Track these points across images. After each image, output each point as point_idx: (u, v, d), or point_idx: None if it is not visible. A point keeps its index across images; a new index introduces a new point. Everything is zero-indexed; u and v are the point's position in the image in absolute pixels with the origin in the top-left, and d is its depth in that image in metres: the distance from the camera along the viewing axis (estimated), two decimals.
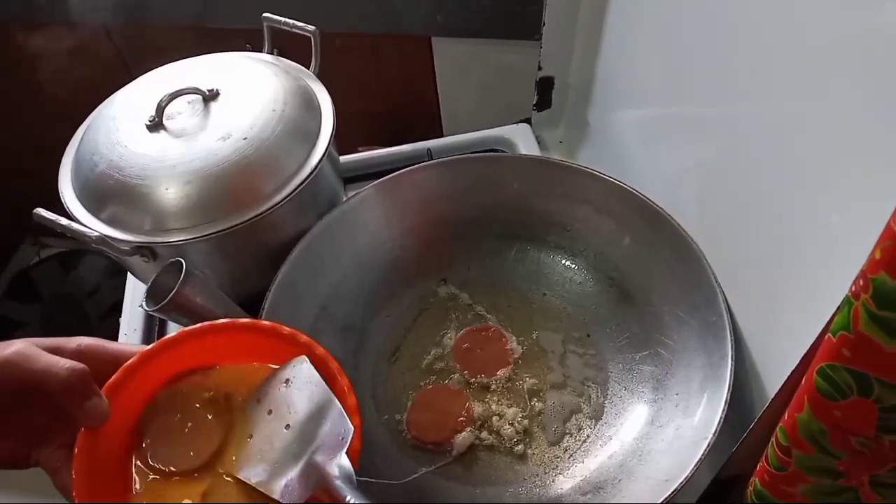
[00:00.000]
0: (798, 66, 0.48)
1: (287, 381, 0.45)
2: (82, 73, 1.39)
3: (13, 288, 1.80)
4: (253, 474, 0.43)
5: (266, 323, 0.48)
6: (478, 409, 0.67)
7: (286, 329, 0.47)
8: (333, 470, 0.39)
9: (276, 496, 0.41)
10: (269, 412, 0.45)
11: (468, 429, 0.66)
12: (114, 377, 0.44)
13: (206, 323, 0.48)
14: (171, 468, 0.44)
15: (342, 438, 0.40)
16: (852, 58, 0.43)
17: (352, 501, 0.37)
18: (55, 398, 0.41)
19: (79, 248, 1.87)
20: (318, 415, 0.42)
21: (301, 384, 0.44)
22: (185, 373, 0.48)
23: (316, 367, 0.45)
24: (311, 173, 0.67)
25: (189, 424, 0.46)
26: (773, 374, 0.56)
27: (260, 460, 0.43)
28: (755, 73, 0.54)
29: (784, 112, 0.51)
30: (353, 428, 0.41)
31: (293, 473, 0.41)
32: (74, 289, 1.70)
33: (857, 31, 0.42)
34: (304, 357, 0.45)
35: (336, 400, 0.42)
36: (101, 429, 0.42)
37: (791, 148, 0.50)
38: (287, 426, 0.44)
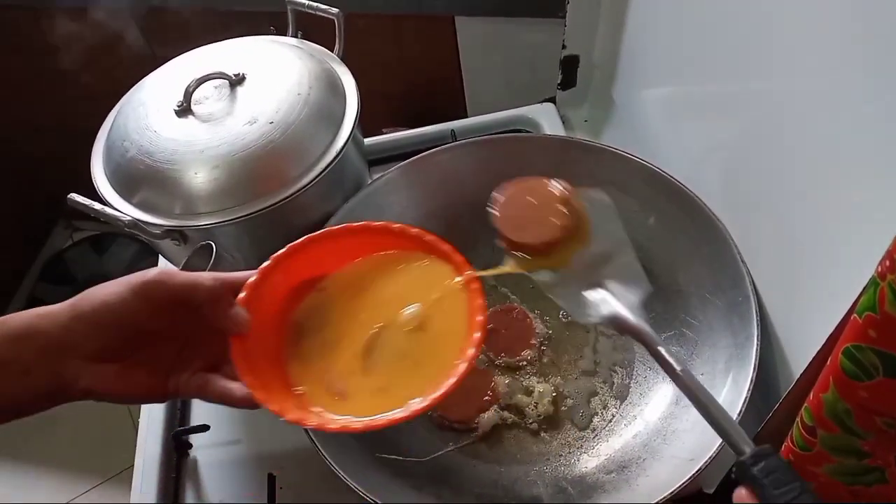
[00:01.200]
0: (825, 43, 0.47)
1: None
2: (109, 59, 1.41)
3: (47, 270, 1.84)
4: None
5: (378, 223, 0.52)
6: (503, 388, 0.68)
7: (395, 225, 0.52)
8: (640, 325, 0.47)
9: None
10: None
11: (493, 407, 0.67)
12: (241, 295, 0.47)
13: (307, 236, 0.52)
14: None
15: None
16: (881, 34, 0.42)
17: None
18: (202, 309, 0.44)
19: (110, 231, 1.91)
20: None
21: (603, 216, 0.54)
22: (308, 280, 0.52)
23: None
24: (337, 156, 0.68)
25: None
26: (799, 355, 0.56)
27: None
28: (781, 49, 0.53)
29: (811, 89, 0.50)
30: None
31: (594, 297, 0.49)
32: (107, 271, 1.74)
33: (887, 7, 0.41)
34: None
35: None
36: (247, 337, 0.46)
37: (818, 126, 0.50)
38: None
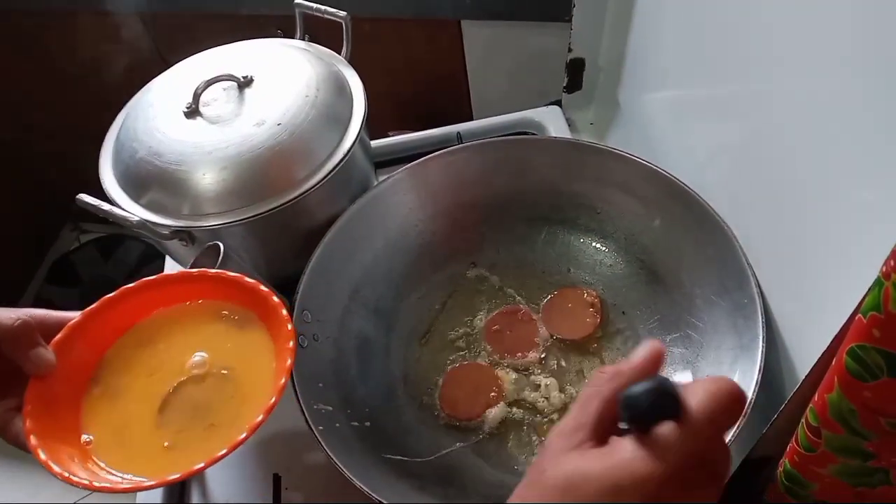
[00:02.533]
0: (831, 44, 0.48)
1: None
2: (118, 61, 1.42)
3: (54, 272, 1.85)
4: None
5: (204, 271, 0.52)
6: (509, 384, 0.68)
7: (211, 272, 0.51)
8: None
9: None
10: None
11: (500, 404, 0.67)
12: (59, 335, 0.47)
13: (142, 280, 0.51)
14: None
15: None
16: (889, 34, 0.42)
17: None
18: (2, 347, 0.44)
19: (117, 232, 1.92)
20: None
21: None
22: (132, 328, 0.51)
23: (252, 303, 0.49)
24: (344, 158, 0.69)
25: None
26: (804, 356, 0.56)
27: None
28: (787, 51, 0.53)
29: (815, 90, 0.50)
30: None
31: None
32: (113, 273, 1.75)
33: (891, 7, 0.41)
34: None
35: None
36: (51, 379, 0.46)
37: (823, 127, 0.50)
38: None
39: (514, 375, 0.70)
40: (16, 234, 1.83)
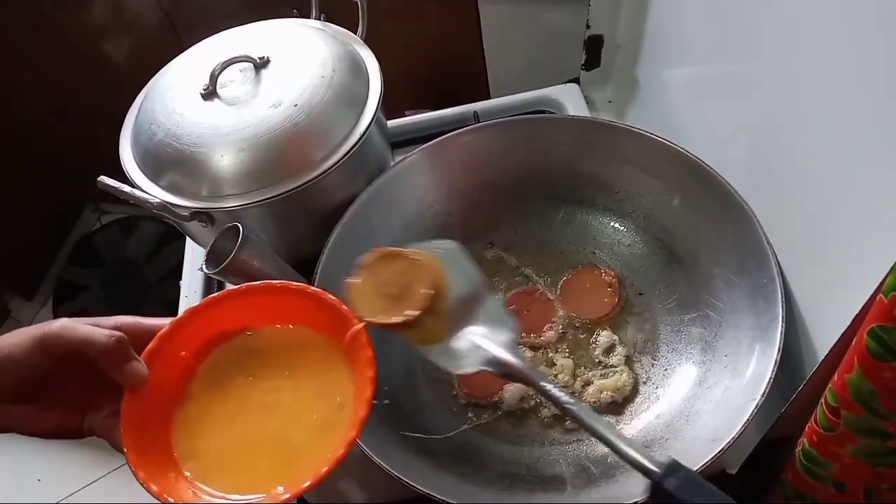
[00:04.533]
0: (854, 20, 0.47)
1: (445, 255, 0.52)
2: (135, 42, 1.42)
3: (76, 253, 1.87)
4: None
5: (282, 283, 0.50)
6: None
7: (310, 288, 0.49)
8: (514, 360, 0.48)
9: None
10: None
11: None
12: (150, 345, 0.47)
13: (226, 289, 0.51)
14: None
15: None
16: None
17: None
18: (97, 364, 0.45)
19: (138, 213, 1.94)
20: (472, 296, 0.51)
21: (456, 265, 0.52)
22: (218, 336, 0.51)
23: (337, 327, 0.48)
24: (360, 139, 0.69)
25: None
26: (824, 336, 0.55)
27: None
28: (808, 26, 0.52)
29: (839, 68, 0.49)
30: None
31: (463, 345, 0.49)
32: (134, 253, 1.76)
33: None
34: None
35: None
36: (144, 391, 0.46)
37: (845, 105, 0.49)
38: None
39: (529, 353, 0.70)
40: (38, 216, 1.85)
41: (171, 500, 0.42)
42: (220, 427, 0.48)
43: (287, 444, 0.46)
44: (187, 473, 0.45)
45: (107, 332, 0.45)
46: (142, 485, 0.43)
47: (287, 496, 0.42)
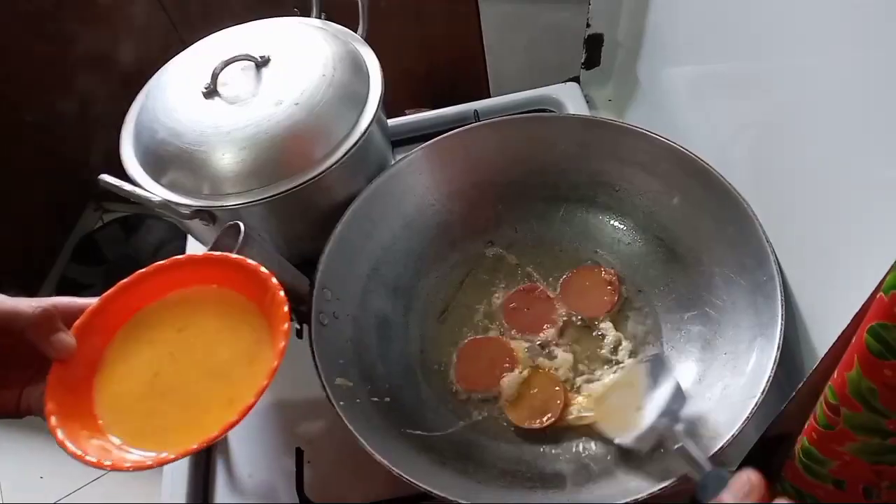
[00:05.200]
0: (855, 18, 0.47)
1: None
2: (135, 41, 1.43)
3: (78, 251, 1.88)
4: None
5: (209, 254, 0.53)
6: (522, 353, 0.70)
7: (232, 256, 0.52)
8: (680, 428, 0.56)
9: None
10: None
11: (514, 371, 0.68)
12: (79, 319, 0.49)
13: (154, 264, 0.53)
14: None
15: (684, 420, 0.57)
16: None
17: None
18: (24, 335, 0.45)
19: (140, 212, 1.94)
20: (672, 397, 0.60)
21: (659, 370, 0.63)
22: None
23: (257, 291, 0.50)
24: (361, 137, 0.69)
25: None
26: (823, 333, 0.55)
27: None
28: (811, 25, 0.52)
29: (839, 67, 0.49)
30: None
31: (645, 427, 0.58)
32: (136, 251, 1.77)
33: None
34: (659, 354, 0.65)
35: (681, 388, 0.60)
36: (73, 363, 0.47)
37: (845, 104, 0.49)
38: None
39: (526, 345, 0.70)
40: (40, 214, 1.86)
41: (88, 458, 0.43)
42: (134, 385, 0.49)
43: (200, 397, 0.48)
44: (113, 438, 0.46)
45: (34, 303, 0.46)
46: (61, 446, 0.44)
47: (195, 447, 0.44)
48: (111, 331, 0.51)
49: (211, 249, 0.63)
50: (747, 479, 0.44)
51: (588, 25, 0.89)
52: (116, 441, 0.46)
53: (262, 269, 0.51)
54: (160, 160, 0.68)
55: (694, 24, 0.74)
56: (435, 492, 0.53)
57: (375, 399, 0.63)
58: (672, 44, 0.80)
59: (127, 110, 0.75)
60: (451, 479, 0.59)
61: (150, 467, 0.44)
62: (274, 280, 0.50)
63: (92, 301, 0.50)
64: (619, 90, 0.95)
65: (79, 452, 0.43)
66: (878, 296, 0.41)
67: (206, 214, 0.67)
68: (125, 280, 0.51)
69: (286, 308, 0.48)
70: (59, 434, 0.44)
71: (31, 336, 0.46)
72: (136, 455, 0.45)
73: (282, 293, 0.49)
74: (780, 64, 0.58)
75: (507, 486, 0.60)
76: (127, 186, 0.65)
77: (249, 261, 0.51)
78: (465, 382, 0.69)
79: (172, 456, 0.44)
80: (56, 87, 1.61)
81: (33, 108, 1.68)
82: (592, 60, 0.94)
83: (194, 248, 0.87)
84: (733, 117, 0.69)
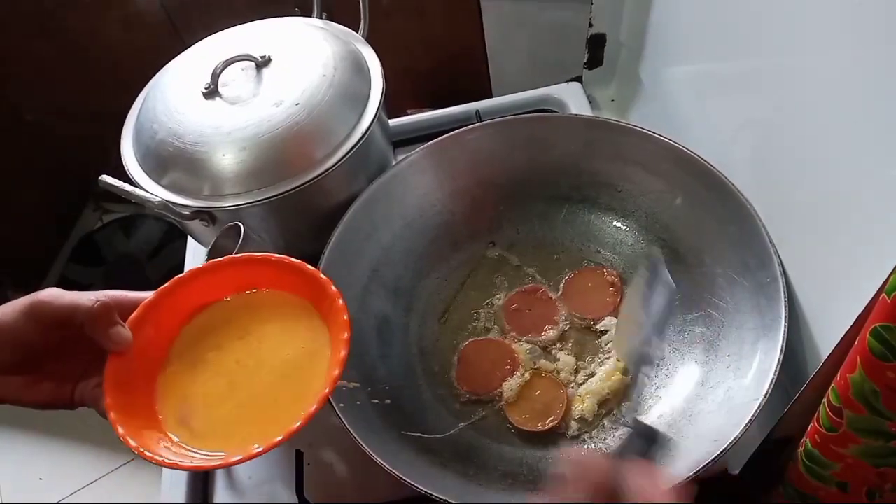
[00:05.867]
0: (860, 19, 0.46)
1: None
2: (136, 41, 1.42)
3: (77, 252, 1.87)
4: None
5: (268, 255, 0.52)
6: (523, 355, 0.69)
7: (289, 259, 0.51)
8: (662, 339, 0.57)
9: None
10: None
11: (516, 374, 0.68)
12: (135, 313, 0.49)
13: (212, 261, 0.53)
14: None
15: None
16: None
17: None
18: (83, 329, 0.46)
19: (139, 212, 1.94)
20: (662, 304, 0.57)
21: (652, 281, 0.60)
22: (203, 307, 0.52)
23: (316, 296, 0.50)
24: (362, 138, 0.68)
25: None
26: (827, 335, 0.55)
27: None
28: (813, 25, 0.52)
29: (842, 67, 0.49)
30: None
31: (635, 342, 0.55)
32: (136, 252, 1.77)
33: None
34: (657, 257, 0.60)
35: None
36: (129, 357, 0.47)
37: (849, 104, 0.49)
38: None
39: (528, 346, 0.70)
40: (40, 214, 1.85)
41: (147, 454, 0.43)
42: (200, 388, 0.49)
43: (264, 403, 0.48)
44: (172, 436, 0.47)
45: (92, 297, 0.47)
46: (122, 440, 0.44)
47: (260, 450, 0.43)
48: (165, 326, 0.51)
49: (210, 250, 0.63)
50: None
51: (590, 25, 0.89)
52: (175, 439, 0.47)
53: (322, 275, 0.50)
54: (160, 160, 0.68)
55: (696, 24, 0.74)
56: (435, 494, 0.52)
57: (376, 401, 0.63)
58: (675, 43, 0.80)
59: (126, 110, 0.75)
60: (453, 482, 0.59)
61: (233, 464, 0.45)
62: (333, 287, 0.49)
63: (144, 295, 0.50)
64: (622, 90, 0.95)
65: (144, 451, 0.43)
66: (881, 297, 0.40)
67: (205, 215, 0.66)
68: (181, 276, 0.51)
69: (346, 316, 0.48)
70: (120, 430, 0.44)
71: (90, 329, 0.46)
72: (202, 455, 0.46)
73: (341, 301, 0.48)
74: (783, 63, 0.58)
75: (507, 488, 0.60)
76: (127, 187, 0.65)
77: (308, 266, 0.51)
78: (467, 384, 0.68)
79: (261, 448, 0.44)
80: (56, 86, 1.60)
81: (33, 108, 1.68)
82: (595, 60, 0.94)
83: (194, 249, 0.86)
84: (736, 117, 0.68)
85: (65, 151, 1.75)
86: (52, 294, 0.47)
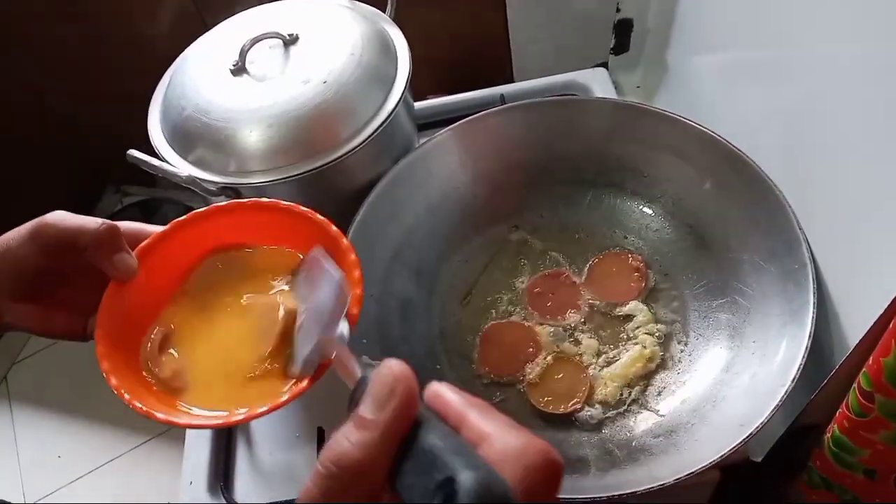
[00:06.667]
0: (888, 7, 0.46)
1: (306, 272, 0.46)
2: (158, 24, 1.43)
3: None
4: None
5: (286, 203, 0.48)
6: (546, 337, 0.69)
7: (301, 208, 0.48)
8: (335, 334, 0.40)
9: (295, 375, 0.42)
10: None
11: (538, 357, 0.68)
12: (145, 241, 0.46)
13: (233, 201, 0.50)
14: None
15: (344, 308, 0.41)
16: None
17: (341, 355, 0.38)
18: (87, 252, 0.44)
19: (158, 196, 1.95)
20: (328, 296, 0.43)
21: (315, 273, 0.45)
22: (219, 248, 0.49)
23: (329, 247, 0.46)
24: (388, 118, 0.68)
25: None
26: (855, 322, 0.54)
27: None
28: (845, 11, 0.51)
29: (874, 52, 0.48)
30: (349, 295, 0.42)
31: (307, 350, 0.42)
32: None
33: None
34: (317, 249, 0.46)
35: (340, 277, 0.43)
36: (132, 288, 0.45)
37: (879, 89, 0.48)
38: (304, 311, 0.45)
39: (550, 329, 0.70)
40: (60, 198, 1.87)
41: (127, 396, 0.40)
42: (198, 340, 0.46)
43: (267, 363, 0.44)
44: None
45: (99, 220, 0.44)
46: (104, 375, 0.41)
47: (264, 409, 0.40)
48: (174, 263, 0.48)
49: None
50: (389, 373, 0.33)
51: (618, 10, 0.88)
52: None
53: (333, 227, 0.46)
54: (187, 136, 0.68)
55: (724, 10, 0.73)
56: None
57: None
58: (703, 30, 0.79)
59: (148, 94, 0.75)
60: None
61: (230, 423, 0.41)
62: (346, 240, 0.46)
63: (158, 228, 0.47)
64: (648, 76, 0.94)
65: (122, 391, 0.41)
66: None
67: (231, 191, 0.66)
68: (198, 210, 0.48)
69: (353, 255, 0.45)
70: (105, 365, 0.41)
71: (94, 255, 0.44)
72: (204, 413, 0.42)
73: (354, 256, 0.45)
74: (812, 50, 0.57)
75: None
76: (155, 162, 0.65)
77: (331, 226, 0.47)
78: (489, 366, 0.68)
79: (265, 409, 0.40)
80: (78, 69, 1.62)
81: (56, 91, 1.69)
82: (621, 46, 0.93)
83: None
84: (764, 104, 0.68)
85: (86, 134, 1.77)
86: (58, 216, 0.45)
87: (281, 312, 0.45)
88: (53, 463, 1.61)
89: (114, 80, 1.50)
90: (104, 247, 0.44)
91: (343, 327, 0.41)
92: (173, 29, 1.42)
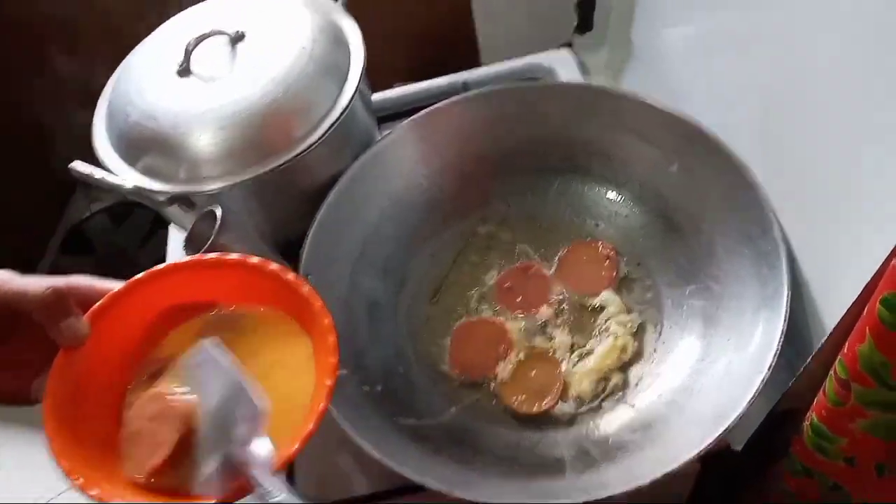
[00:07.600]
0: None
1: (198, 365, 0.41)
2: (112, 22, 1.39)
3: (67, 242, 1.85)
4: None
5: (254, 260, 0.45)
6: (517, 334, 0.67)
7: (271, 265, 0.45)
8: (248, 458, 0.36)
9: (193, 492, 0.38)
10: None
11: (510, 356, 0.66)
12: (98, 304, 0.43)
13: (196, 256, 0.48)
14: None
15: (255, 421, 0.37)
16: None
17: (264, 490, 0.34)
18: (34, 317, 0.41)
19: (128, 200, 1.91)
20: (230, 400, 0.38)
21: (209, 369, 0.40)
22: (181, 307, 0.46)
23: (299, 309, 0.43)
24: (343, 112, 0.66)
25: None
26: (833, 305, 0.53)
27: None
28: None
29: (848, 26, 0.46)
30: (263, 409, 0.37)
31: (211, 468, 0.37)
32: (126, 241, 1.74)
33: None
34: (213, 339, 0.42)
35: (245, 382, 0.39)
36: (86, 353, 0.42)
37: (855, 65, 0.46)
38: (204, 415, 0.40)
39: (522, 324, 0.68)
40: (28, 206, 1.83)
41: (79, 481, 0.38)
42: (132, 417, 0.43)
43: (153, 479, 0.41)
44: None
45: (45, 283, 0.42)
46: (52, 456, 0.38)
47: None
48: (129, 324, 0.45)
49: (187, 237, 0.60)
50: None
51: None
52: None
53: (305, 287, 0.44)
54: (134, 144, 0.65)
55: None
56: (429, 484, 0.51)
57: (366, 388, 0.61)
58: (668, 3, 0.77)
59: None
60: (448, 469, 0.56)
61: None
62: (319, 304, 0.43)
63: (113, 285, 0.45)
64: (615, 55, 0.92)
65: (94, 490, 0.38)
66: (891, 264, 0.38)
67: (183, 200, 0.64)
68: (156, 268, 0.45)
69: (333, 338, 0.42)
70: (53, 445, 0.39)
71: (41, 319, 0.41)
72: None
73: (328, 321, 0.42)
74: (784, 24, 0.55)
75: (505, 472, 0.58)
76: (98, 173, 0.62)
77: (291, 275, 0.44)
78: (460, 367, 0.67)
79: None
80: (39, 70, 1.57)
81: (17, 93, 1.65)
82: (585, 24, 0.90)
83: (177, 235, 0.84)
84: (735, 80, 0.66)
85: (52, 139, 1.72)
86: (2, 278, 0.42)
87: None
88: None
89: (74, 80, 1.46)
90: (50, 313, 0.42)
91: (260, 446, 0.36)
92: (125, 25, 1.38)
